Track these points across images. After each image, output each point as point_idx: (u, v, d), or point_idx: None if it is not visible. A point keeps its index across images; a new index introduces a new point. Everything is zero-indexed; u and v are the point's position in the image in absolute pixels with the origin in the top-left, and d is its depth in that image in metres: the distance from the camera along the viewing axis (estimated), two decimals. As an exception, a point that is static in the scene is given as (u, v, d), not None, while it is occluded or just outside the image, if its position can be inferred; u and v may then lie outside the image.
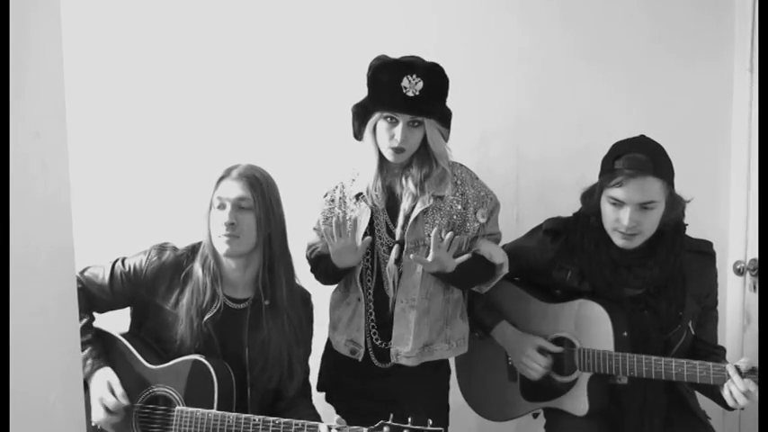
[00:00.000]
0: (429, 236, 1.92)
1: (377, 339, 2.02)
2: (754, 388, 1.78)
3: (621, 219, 1.88)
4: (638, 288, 1.98)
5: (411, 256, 1.92)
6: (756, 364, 1.80)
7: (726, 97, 2.43)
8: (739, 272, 2.45)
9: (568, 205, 2.11)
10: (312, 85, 2.47)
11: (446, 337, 2.04)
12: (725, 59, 2.43)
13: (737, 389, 1.79)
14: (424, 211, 1.97)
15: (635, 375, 1.92)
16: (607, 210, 1.93)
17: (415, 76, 1.88)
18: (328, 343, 2.13)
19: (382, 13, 2.47)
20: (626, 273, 1.96)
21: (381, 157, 1.98)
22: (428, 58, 1.95)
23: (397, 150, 1.93)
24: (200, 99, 2.50)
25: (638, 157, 1.87)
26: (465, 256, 1.92)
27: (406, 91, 1.88)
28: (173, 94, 2.50)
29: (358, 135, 2.01)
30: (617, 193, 1.88)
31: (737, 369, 1.81)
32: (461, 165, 2.07)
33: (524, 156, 2.50)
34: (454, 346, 2.06)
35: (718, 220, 2.46)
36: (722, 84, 2.43)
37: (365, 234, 1.98)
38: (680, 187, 1.97)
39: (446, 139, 2.01)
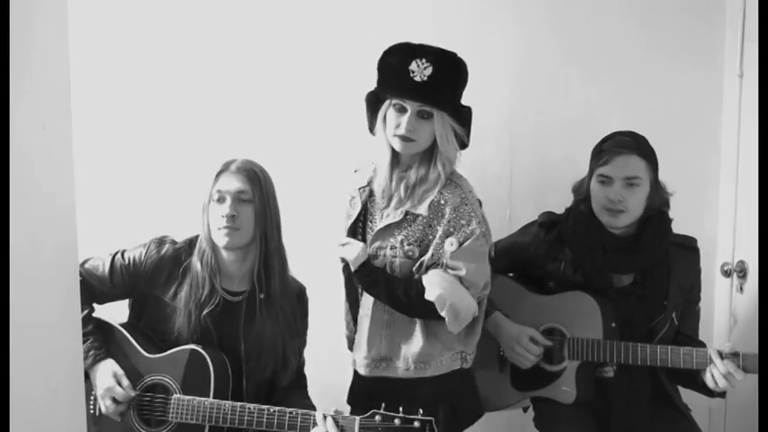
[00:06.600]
0: (391, 246, 1.86)
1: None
2: (734, 370, 1.84)
3: (609, 194, 1.97)
4: (628, 272, 2.04)
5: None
6: (739, 350, 1.87)
7: (716, 101, 2.46)
8: (727, 273, 2.48)
9: (561, 205, 2.16)
10: (307, 83, 2.49)
11: (404, 354, 1.88)
12: (715, 63, 2.45)
13: (718, 371, 1.86)
14: (396, 224, 1.86)
15: (621, 362, 1.97)
16: (596, 189, 2.02)
17: (424, 60, 1.75)
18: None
19: (377, 11, 2.48)
20: (615, 257, 2.03)
21: (394, 151, 1.87)
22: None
23: (404, 139, 1.80)
24: (200, 95, 2.51)
25: (624, 138, 2.01)
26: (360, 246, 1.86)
27: (413, 75, 1.75)
28: (173, 91, 2.52)
29: (371, 127, 1.90)
30: (604, 170, 1.98)
31: (719, 353, 1.88)
32: (458, 185, 1.88)
33: (517, 156, 2.52)
34: (412, 368, 1.88)
35: (707, 223, 2.49)
36: (712, 87, 2.46)
37: (354, 228, 1.96)
38: (669, 189, 2.04)
39: (465, 143, 1.89)
